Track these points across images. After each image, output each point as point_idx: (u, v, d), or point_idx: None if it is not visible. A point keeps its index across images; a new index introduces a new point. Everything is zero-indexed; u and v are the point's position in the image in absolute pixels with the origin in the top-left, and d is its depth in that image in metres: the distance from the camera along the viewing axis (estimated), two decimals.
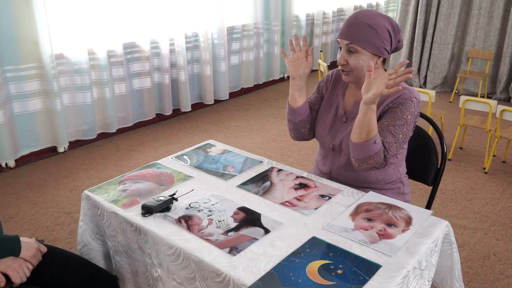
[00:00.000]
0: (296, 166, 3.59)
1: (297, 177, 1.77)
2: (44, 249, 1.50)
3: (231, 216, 1.49)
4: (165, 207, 1.52)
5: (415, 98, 1.64)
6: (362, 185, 1.74)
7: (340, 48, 1.66)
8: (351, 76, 1.68)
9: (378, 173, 1.74)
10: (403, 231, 1.41)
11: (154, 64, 4.46)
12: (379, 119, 1.67)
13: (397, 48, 1.70)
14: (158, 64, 4.49)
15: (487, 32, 5.46)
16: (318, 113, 1.87)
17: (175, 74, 4.66)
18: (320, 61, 4.82)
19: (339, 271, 1.23)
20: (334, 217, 1.49)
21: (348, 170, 1.76)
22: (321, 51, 5.71)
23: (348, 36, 1.62)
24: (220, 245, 1.34)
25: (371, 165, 1.61)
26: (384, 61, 1.71)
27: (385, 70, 1.73)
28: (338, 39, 1.66)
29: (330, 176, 1.82)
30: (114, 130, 4.20)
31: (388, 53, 1.66)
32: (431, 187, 1.93)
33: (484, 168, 3.60)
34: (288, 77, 6.32)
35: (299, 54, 1.76)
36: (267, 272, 1.22)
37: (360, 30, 1.59)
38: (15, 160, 3.59)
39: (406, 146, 1.79)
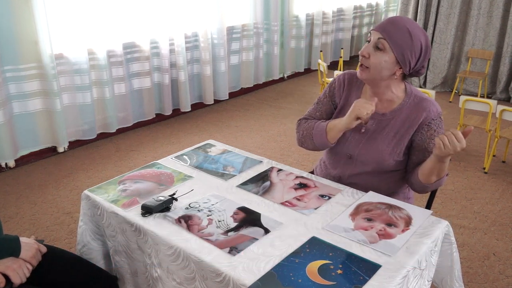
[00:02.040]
0: (296, 166, 3.59)
1: (297, 177, 1.77)
2: (44, 249, 1.50)
3: (231, 216, 1.49)
4: (165, 207, 1.52)
5: (440, 111, 1.65)
6: (368, 191, 1.72)
7: (369, 41, 1.60)
8: (367, 73, 1.60)
9: (390, 183, 1.74)
10: (403, 231, 1.41)
11: (154, 64, 4.46)
12: (421, 143, 1.63)
13: (417, 72, 1.64)
14: (158, 64, 4.48)
15: (486, 32, 5.46)
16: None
17: (175, 74, 4.65)
18: (319, 61, 4.82)
19: (339, 271, 1.23)
20: (334, 217, 1.49)
21: (360, 178, 1.73)
22: (321, 51, 5.72)
23: (384, 30, 1.56)
24: (220, 245, 1.34)
25: (433, 189, 1.71)
26: (404, 77, 1.65)
27: (409, 85, 1.70)
28: (371, 31, 1.60)
29: (339, 181, 1.78)
30: (114, 130, 4.19)
31: (410, 69, 1.60)
32: None
33: (484, 168, 3.60)
34: (287, 77, 6.33)
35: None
36: (267, 272, 1.22)
37: (398, 31, 1.55)
38: (15, 160, 3.58)
39: None
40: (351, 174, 1.75)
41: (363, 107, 1.57)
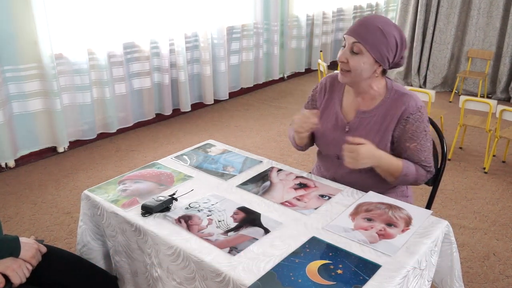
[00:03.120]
0: (296, 166, 3.59)
1: (297, 177, 1.77)
2: (44, 249, 1.50)
3: (231, 216, 1.49)
4: (165, 207, 1.52)
5: (420, 105, 1.65)
6: (366, 190, 1.73)
7: (344, 46, 1.63)
8: (348, 77, 1.64)
9: (384, 179, 1.74)
10: (403, 231, 1.41)
11: (154, 64, 4.46)
12: (397, 140, 1.66)
13: (397, 64, 1.67)
14: (158, 64, 4.48)
15: (486, 32, 5.46)
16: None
17: (175, 74, 4.65)
18: (319, 61, 4.82)
19: (339, 271, 1.23)
20: (334, 217, 1.49)
21: (353, 177, 1.74)
22: (320, 51, 5.71)
23: (357, 34, 1.58)
24: (220, 245, 1.34)
25: (420, 184, 1.75)
26: (384, 72, 1.68)
27: (390, 80, 1.71)
28: (345, 36, 1.62)
29: (335, 182, 1.78)
30: (114, 130, 4.19)
31: (389, 65, 1.63)
32: (431, 187, 1.93)
33: (484, 168, 3.60)
34: (287, 77, 6.33)
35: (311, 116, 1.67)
36: (267, 272, 1.22)
37: (371, 32, 1.57)
38: (15, 160, 3.58)
39: None
40: (344, 174, 1.76)
41: (300, 126, 1.67)
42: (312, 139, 1.86)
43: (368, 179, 1.72)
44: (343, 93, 1.78)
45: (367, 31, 1.57)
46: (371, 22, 1.59)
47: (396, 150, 1.69)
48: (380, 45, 1.57)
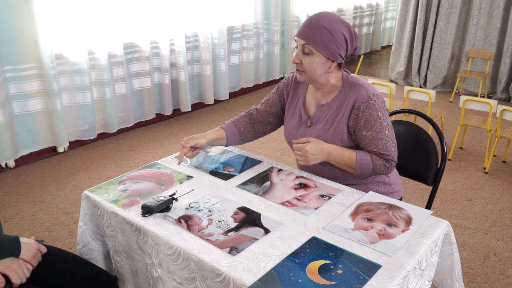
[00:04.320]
0: (296, 166, 3.58)
1: (297, 177, 1.77)
2: (44, 250, 1.50)
3: (231, 216, 1.49)
4: (165, 207, 1.52)
5: (372, 94, 1.67)
6: (344, 182, 1.75)
7: (297, 47, 1.68)
8: (304, 76, 1.70)
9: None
10: (403, 231, 1.41)
11: (154, 64, 4.46)
12: (354, 130, 1.69)
13: (353, 55, 1.71)
14: (158, 64, 4.49)
15: (487, 32, 5.46)
16: (284, 118, 1.89)
17: (175, 74, 4.65)
18: None
19: (339, 271, 1.23)
20: (334, 217, 1.49)
21: (326, 170, 1.77)
22: None
23: (305, 36, 1.63)
24: (220, 245, 1.34)
25: (380, 175, 1.76)
26: (340, 65, 1.72)
27: (346, 73, 1.75)
28: (295, 38, 1.69)
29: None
30: (114, 130, 4.19)
31: (343, 59, 1.68)
32: (431, 187, 1.93)
33: (484, 168, 3.60)
34: None
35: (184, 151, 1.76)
36: (267, 272, 1.22)
37: (318, 32, 1.61)
38: (15, 160, 3.59)
39: None
40: (315, 168, 1.79)
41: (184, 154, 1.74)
42: (262, 131, 1.95)
43: (332, 167, 1.74)
44: (306, 90, 1.84)
45: (314, 31, 1.61)
46: (316, 21, 1.63)
47: (355, 140, 1.72)
48: (328, 43, 1.61)
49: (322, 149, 1.65)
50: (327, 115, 1.74)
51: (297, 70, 1.71)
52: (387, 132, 1.67)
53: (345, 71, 1.77)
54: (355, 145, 1.74)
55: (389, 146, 1.68)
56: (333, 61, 1.66)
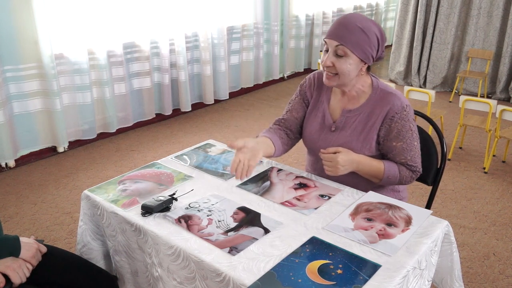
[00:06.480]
0: (296, 166, 3.59)
1: (296, 177, 1.77)
2: (44, 249, 1.50)
3: (231, 216, 1.49)
4: (165, 207, 1.52)
5: (406, 105, 1.65)
6: (355, 187, 1.73)
7: (327, 50, 1.62)
8: (335, 80, 1.63)
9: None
10: (403, 231, 1.41)
11: (154, 64, 4.46)
12: (384, 140, 1.66)
13: (379, 58, 1.67)
14: (158, 64, 4.48)
15: (486, 32, 5.46)
16: (305, 121, 1.83)
17: (175, 74, 4.65)
18: (319, 61, 4.81)
19: (339, 271, 1.23)
20: (334, 217, 1.49)
21: (346, 176, 1.72)
22: (320, 51, 5.71)
23: (339, 37, 1.57)
24: (220, 245, 1.34)
25: (406, 184, 1.76)
26: (368, 68, 1.68)
27: (376, 78, 1.71)
28: (325, 40, 1.62)
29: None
30: (114, 130, 4.19)
31: (373, 61, 1.64)
32: (431, 187, 1.93)
33: (484, 168, 3.60)
34: (288, 77, 6.33)
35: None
36: (267, 272, 1.22)
37: (352, 33, 1.56)
38: (15, 160, 3.58)
39: None
40: (339, 176, 1.74)
41: (241, 174, 1.52)
42: (294, 138, 1.87)
43: (355, 177, 1.72)
44: (331, 92, 1.79)
45: (349, 32, 1.56)
46: (350, 22, 1.58)
47: (382, 149, 1.70)
48: (363, 44, 1.57)
49: (352, 160, 1.62)
50: (355, 121, 1.69)
51: (327, 74, 1.64)
52: (415, 143, 1.67)
53: (374, 76, 1.72)
54: (380, 154, 1.72)
55: (417, 157, 1.68)
56: (365, 63, 1.62)
